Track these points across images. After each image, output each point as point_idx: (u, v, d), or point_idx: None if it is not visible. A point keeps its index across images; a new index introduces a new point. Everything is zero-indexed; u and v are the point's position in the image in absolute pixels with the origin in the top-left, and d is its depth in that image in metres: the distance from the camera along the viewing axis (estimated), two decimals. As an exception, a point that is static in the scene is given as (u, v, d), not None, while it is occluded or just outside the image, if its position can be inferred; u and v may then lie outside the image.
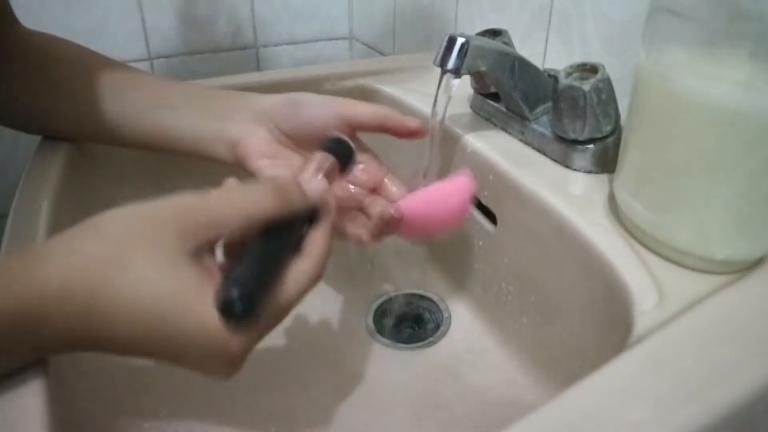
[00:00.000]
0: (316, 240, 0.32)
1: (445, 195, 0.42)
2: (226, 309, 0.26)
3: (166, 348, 0.27)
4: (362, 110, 0.42)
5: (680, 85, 0.32)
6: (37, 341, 0.27)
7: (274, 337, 0.49)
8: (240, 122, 0.45)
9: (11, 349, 0.26)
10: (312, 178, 0.35)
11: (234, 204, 0.29)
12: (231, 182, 0.32)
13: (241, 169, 0.47)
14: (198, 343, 0.26)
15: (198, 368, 0.28)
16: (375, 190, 0.44)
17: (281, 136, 0.44)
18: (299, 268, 0.31)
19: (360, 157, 0.42)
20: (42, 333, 0.26)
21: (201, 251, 0.28)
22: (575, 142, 0.44)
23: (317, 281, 0.31)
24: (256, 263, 0.28)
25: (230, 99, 0.46)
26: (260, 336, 0.29)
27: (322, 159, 0.37)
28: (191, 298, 0.26)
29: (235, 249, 0.30)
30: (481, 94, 0.53)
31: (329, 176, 0.37)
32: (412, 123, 0.42)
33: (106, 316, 0.26)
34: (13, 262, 0.26)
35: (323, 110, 0.43)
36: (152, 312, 0.26)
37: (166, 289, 0.26)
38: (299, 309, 0.53)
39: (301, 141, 0.44)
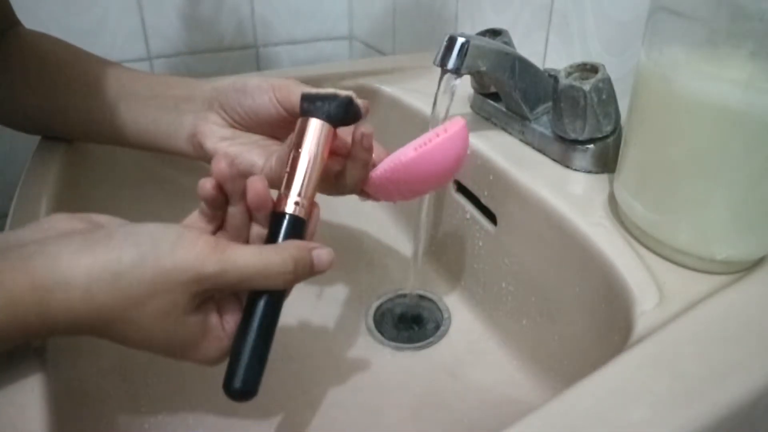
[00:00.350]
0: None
1: (435, 152, 0.38)
2: (234, 397, 0.31)
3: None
4: (294, 95, 0.40)
5: (680, 84, 0.32)
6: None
7: (274, 338, 0.49)
8: (193, 111, 0.44)
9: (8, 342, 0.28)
10: (323, 251, 0.33)
11: (251, 275, 0.30)
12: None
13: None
14: (187, 360, 0.32)
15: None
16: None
17: (232, 121, 0.43)
18: None
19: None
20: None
21: (206, 303, 0.31)
22: (575, 141, 0.44)
23: None
24: (258, 341, 0.31)
25: (184, 87, 0.45)
26: None
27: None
28: (188, 349, 0.31)
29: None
30: (481, 94, 0.53)
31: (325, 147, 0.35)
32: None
33: (113, 338, 0.29)
34: (22, 286, 0.26)
35: (263, 98, 0.41)
36: (153, 347, 0.30)
37: (168, 343, 0.30)
38: (299, 308, 0.53)
39: (250, 127, 0.43)
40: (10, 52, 0.46)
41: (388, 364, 0.48)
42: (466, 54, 0.43)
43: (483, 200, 0.49)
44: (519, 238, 0.46)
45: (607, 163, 0.44)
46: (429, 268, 0.58)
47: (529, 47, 0.61)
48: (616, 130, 0.44)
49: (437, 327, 0.52)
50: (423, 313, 0.53)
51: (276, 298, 0.32)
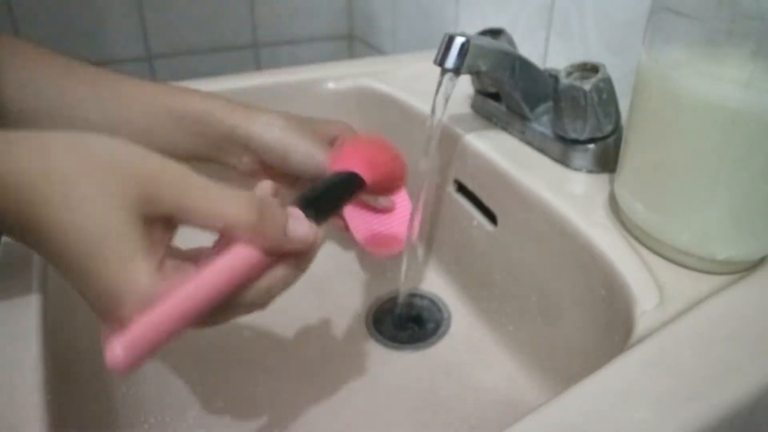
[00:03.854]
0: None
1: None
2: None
3: (74, 269, 0.26)
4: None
5: (681, 84, 0.32)
6: None
7: (275, 338, 0.49)
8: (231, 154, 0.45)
9: None
10: (303, 223, 0.30)
11: (211, 204, 0.27)
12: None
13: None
14: (101, 288, 0.25)
15: (94, 305, 0.27)
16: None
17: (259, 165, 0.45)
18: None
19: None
20: None
21: (155, 221, 0.27)
22: (576, 141, 0.44)
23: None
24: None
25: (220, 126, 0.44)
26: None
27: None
28: (121, 254, 0.25)
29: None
30: (482, 94, 0.53)
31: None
32: None
33: (43, 221, 0.25)
34: None
35: (309, 166, 0.43)
36: (79, 243, 0.25)
37: (104, 232, 0.25)
38: (299, 309, 0.53)
39: (277, 177, 0.44)
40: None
41: (388, 364, 0.48)
42: (465, 54, 0.42)
43: (483, 200, 0.49)
44: (519, 238, 0.45)
45: (607, 162, 0.44)
46: (429, 268, 0.58)
47: (530, 47, 0.61)
48: (617, 130, 0.44)
49: (437, 327, 0.52)
50: (423, 313, 0.53)
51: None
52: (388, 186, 0.41)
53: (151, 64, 0.88)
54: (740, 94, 0.30)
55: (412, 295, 0.55)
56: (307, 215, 0.31)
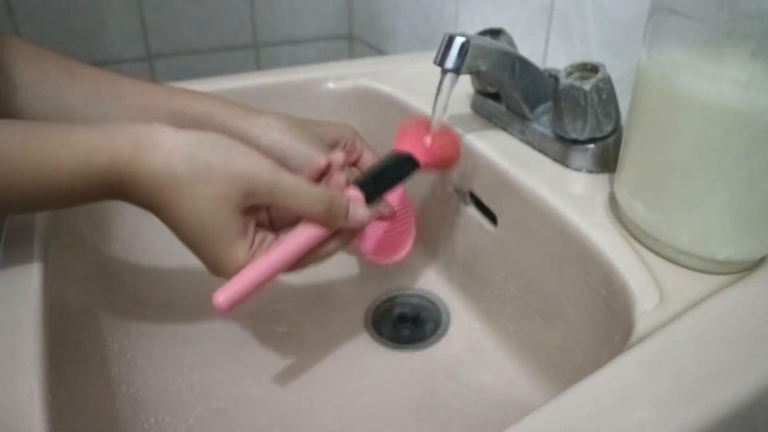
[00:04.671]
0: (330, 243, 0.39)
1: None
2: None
3: (190, 245, 0.36)
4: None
5: (681, 84, 0.32)
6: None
7: (275, 338, 0.49)
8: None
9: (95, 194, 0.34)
10: (360, 206, 0.39)
11: (293, 198, 0.36)
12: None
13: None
14: (210, 261, 0.36)
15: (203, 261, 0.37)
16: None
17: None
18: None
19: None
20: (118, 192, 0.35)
21: (250, 210, 0.36)
22: (576, 141, 0.44)
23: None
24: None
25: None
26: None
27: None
28: (222, 244, 0.35)
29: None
30: (482, 94, 0.53)
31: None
32: None
33: (168, 213, 0.34)
34: (126, 141, 0.33)
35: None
36: (196, 229, 0.35)
37: (209, 230, 0.35)
38: (299, 309, 0.53)
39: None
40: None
41: (388, 364, 0.48)
42: (466, 53, 0.42)
43: (483, 200, 0.49)
44: (519, 238, 0.45)
45: (607, 162, 0.44)
46: (429, 268, 0.58)
47: (529, 47, 0.61)
48: (617, 130, 0.44)
49: (437, 327, 0.52)
50: (422, 313, 0.53)
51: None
52: (441, 167, 0.46)
53: (151, 64, 0.88)
54: (740, 94, 0.30)
55: (412, 295, 0.55)
56: (365, 192, 0.39)
